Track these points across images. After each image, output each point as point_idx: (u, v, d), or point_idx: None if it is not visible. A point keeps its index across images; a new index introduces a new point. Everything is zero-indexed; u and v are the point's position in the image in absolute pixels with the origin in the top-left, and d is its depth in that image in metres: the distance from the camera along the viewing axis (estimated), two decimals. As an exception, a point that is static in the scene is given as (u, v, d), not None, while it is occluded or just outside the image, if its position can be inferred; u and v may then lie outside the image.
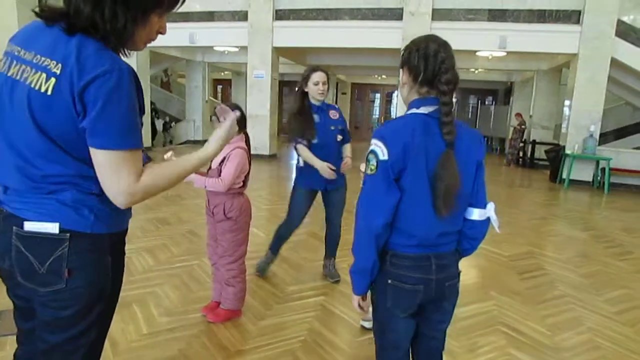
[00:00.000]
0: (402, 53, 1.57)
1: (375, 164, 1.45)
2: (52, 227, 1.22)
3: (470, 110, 21.17)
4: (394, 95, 19.41)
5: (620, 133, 14.08)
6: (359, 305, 1.62)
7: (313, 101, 3.42)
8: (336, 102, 19.57)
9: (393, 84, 18.81)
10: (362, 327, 2.98)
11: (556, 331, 3.10)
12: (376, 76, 19.25)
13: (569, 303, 3.59)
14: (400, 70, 1.58)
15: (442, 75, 1.46)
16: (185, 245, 4.58)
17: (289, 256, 4.37)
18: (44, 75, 1.16)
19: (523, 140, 13.27)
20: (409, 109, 1.54)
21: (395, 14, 10.48)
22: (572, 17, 9.68)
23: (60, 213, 1.23)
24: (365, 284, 1.56)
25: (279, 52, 11.92)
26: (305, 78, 3.36)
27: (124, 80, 1.17)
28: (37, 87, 1.17)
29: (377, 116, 21.45)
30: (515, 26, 9.89)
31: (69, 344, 1.31)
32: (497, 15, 9.98)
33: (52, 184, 1.22)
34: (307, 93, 3.41)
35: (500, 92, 19.92)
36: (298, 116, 3.39)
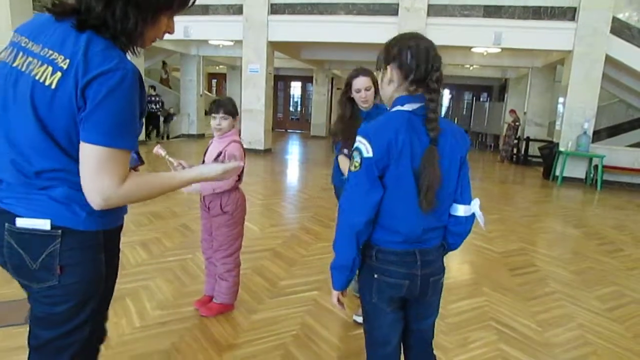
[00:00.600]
0: (387, 50, 1.55)
1: (359, 161, 1.45)
2: (44, 224, 1.21)
3: (465, 106, 21.22)
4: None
5: (614, 131, 14.14)
6: (339, 300, 1.63)
7: (361, 107, 3.06)
8: (331, 97, 19.55)
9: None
10: (355, 322, 2.99)
11: (547, 327, 3.12)
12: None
13: (559, 299, 3.62)
14: (387, 67, 1.54)
15: (433, 73, 1.47)
16: (178, 239, 4.57)
17: (282, 251, 4.38)
18: (50, 68, 1.16)
19: (517, 137, 13.32)
20: (393, 106, 1.54)
21: (391, 10, 10.47)
22: (567, 13, 9.70)
23: (51, 209, 1.22)
24: (344, 280, 1.57)
25: (274, 46, 11.88)
26: (348, 84, 3.04)
27: (127, 80, 1.16)
28: (41, 80, 1.16)
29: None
30: (510, 22, 9.90)
31: (62, 340, 1.30)
32: (492, 11, 9.99)
33: (44, 180, 1.21)
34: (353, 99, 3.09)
35: (495, 89, 19.98)
36: (348, 121, 3.05)
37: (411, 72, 1.48)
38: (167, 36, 1.36)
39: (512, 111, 13.37)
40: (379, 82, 1.61)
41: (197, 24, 11.62)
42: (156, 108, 13.57)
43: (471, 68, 15.64)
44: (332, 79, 19.57)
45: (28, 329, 1.41)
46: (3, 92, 1.23)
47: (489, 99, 20.36)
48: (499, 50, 11.07)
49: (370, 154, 1.43)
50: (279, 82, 20.65)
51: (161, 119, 14.22)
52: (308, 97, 21.26)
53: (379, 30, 10.35)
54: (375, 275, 1.55)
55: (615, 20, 9.56)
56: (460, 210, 1.60)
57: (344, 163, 3.01)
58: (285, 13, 11.24)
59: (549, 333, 3.04)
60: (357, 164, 1.45)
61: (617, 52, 9.60)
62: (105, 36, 1.18)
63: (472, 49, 11.56)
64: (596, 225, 6.43)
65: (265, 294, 3.37)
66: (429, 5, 10.19)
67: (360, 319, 2.98)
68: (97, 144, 1.16)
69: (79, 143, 1.18)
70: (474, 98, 20.76)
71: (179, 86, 16.29)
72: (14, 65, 1.22)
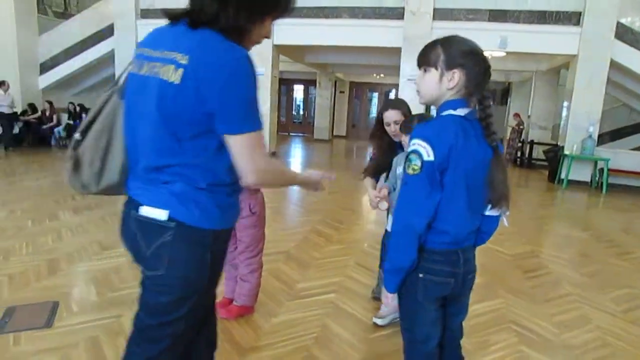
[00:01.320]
0: (449, 54, 1.51)
1: (419, 164, 1.45)
2: (162, 214, 1.29)
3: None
4: (391, 94, 19.45)
5: (617, 134, 14.18)
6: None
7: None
8: (334, 101, 19.58)
9: (390, 83, 18.81)
10: (375, 324, 3.00)
11: (564, 329, 3.13)
12: (375, 75, 19.25)
13: (575, 302, 3.63)
14: (451, 71, 1.51)
15: (486, 84, 1.57)
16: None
17: (296, 254, 4.39)
18: (172, 66, 1.23)
19: (521, 140, 13.33)
20: (443, 109, 1.55)
21: (397, 13, 10.49)
22: (572, 18, 9.74)
23: (170, 202, 1.30)
24: (399, 282, 1.60)
25: (279, 49, 11.90)
26: (379, 116, 2.89)
27: (244, 65, 1.23)
28: (165, 78, 1.24)
29: (374, 115, 21.45)
30: (515, 27, 9.93)
31: (158, 330, 1.38)
32: (498, 15, 10.02)
33: (165, 175, 1.30)
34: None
35: (498, 92, 19.99)
36: (385, 156, 2.89)
37: (476, 83, 1.53)
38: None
39: (516, 114, 13.39)
40: (424, 80, 1.57)
41: (203, 27, 11.63)
42: None
43: (475, 72, 15.66)
44: (336, 82, 19.63)
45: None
46: (131, 98, 1.36)
47: (492, 102, 20.38)
48: (504, 54, 11.10)
49: (432, 158, 1.44)
50: (282, 85, 20.60)
51: None
52: (311, 100, 21.28)
53: (384, 34, 10.40)
54: (421, 275, 1.58)
55: (619, 25, 9.60)
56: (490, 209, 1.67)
57: (367, 183, 2.95)
58: (291, 16, 11.24)
59: (567, 335, 3.06)
60: (416, 167, 1.46)
61: (622, 57, 9.62)
62: (217, 30, 1.25)
63: (477, 53, 11.57)
64: (604, 228, 6.46)
65: (284, 297, 3.39)
66: (435, 9, 10.21)
67: (380, 321, 2.99)
68: (238, 133, 1.24)
69: (202, 135, 1.26)
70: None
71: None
72: (141, 73, 1.31)
